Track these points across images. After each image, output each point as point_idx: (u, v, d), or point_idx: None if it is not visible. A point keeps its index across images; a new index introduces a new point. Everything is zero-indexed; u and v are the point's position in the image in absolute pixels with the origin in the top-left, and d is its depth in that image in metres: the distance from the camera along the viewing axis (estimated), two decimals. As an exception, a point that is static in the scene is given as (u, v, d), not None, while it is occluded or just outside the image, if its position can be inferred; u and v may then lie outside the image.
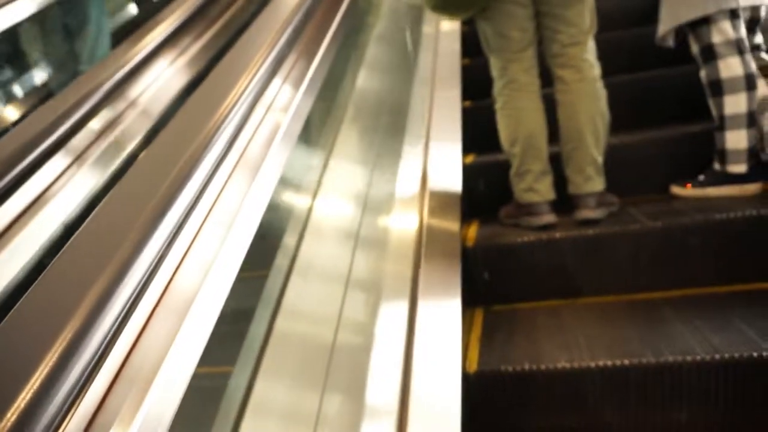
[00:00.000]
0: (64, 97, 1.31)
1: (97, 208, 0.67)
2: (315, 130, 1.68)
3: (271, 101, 1.02)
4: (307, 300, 1.24)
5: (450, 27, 2.56)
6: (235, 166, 0.83)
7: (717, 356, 1.14)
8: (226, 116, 0.80)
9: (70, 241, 0.61)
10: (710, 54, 1.70)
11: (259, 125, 0.93)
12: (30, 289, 0.54)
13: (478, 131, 2.10)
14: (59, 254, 0.60)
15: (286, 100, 1.07)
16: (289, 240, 1.30)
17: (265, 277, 1.20)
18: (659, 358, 1.19)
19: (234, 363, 1.07)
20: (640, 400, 1.20)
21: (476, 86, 2.29)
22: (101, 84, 1.35)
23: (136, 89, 1.46)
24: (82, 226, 0.64)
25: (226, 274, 0.70)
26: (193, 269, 0.67)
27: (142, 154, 0.77)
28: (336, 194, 1.59)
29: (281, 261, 1.24)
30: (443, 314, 1.31)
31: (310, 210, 1.40)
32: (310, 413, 1.04)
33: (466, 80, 2.37)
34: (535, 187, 1.76)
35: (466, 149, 2.07)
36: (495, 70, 1.83)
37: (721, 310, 1.34)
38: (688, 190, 1.77)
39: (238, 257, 0.73)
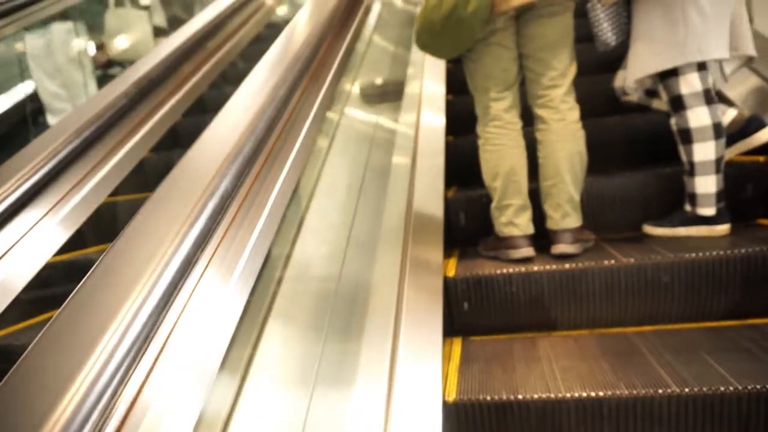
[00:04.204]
0: None
1: None
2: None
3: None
4: (293, 324, 1.25)
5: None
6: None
7: (687, 389, 1.19)
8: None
9: None
10: (679, 104, 1.78)
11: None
12: None
13: (459, 165, 2.17)
14: None
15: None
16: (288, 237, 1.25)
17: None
18: (632, 390, 1.23)
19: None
20: (613, 430, 1.23)
21: (459, 122, 2.37)
22: None
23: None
24: None
25: None
26: None
27: None
28: (330, 196, 1.55)
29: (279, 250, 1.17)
30: (424, 344, 1.33)
31: (305, 212, 1.35)
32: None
33: (449, 116, 2.44)
34: (514, 221, 1.81)
35: (448, 183, 2.14)
36: (479, 108, 1.90)
37: (691, 346, 1.40)
38: (659, 230, 1.85)
39: None
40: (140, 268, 0.65)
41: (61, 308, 0.63)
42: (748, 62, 1.95)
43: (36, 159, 1.37)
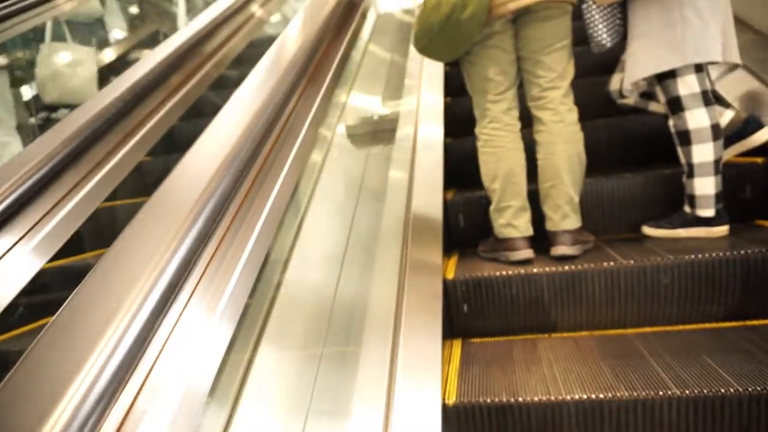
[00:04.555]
0: None
1: None
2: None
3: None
4: (291, 331, 1.24)
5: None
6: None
7: (687, 391, 1.19)
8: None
9: None
10: (677, 106, 1.79)
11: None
12: None
13: (458, 167, 2.17)
14: None
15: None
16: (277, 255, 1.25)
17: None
18: (632, 392, 1.22)
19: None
20: (613, 433, 1.23)
21: (457, 124, 2.37)
22: None
23: None
24: None
25: None
26: None
27: None
28: (328, 199, 1.52)
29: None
30: (424, 346, 1.33)
31: (299, 227, 1.34)
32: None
33: (447, 118, 2.44)
34: (513, 222, 1.81)
35: (447, 185, 2.13)
36: (477, 110, 1.90)
37: (691, 347, 1.39)
38: (659, 231, 1.85)
39: None
40: (121, 297, 0.64)
41: (33, 344, 0.61)
42: (732, 69, 1.96)
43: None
